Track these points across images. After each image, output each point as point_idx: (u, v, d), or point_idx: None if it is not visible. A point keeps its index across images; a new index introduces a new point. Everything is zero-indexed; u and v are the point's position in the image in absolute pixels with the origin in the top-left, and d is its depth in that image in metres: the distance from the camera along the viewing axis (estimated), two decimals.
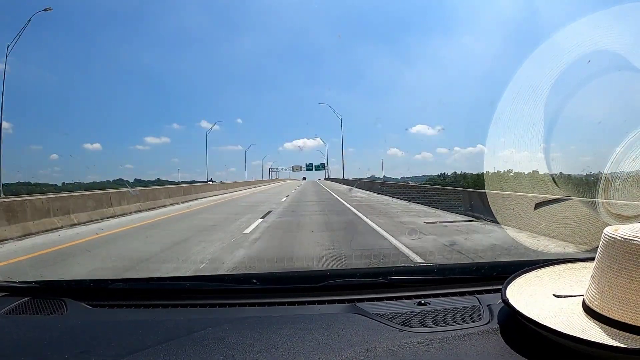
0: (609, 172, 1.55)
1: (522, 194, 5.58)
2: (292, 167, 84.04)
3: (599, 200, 1.53)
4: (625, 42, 1.85)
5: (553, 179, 3.03)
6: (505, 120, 2.50)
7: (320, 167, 79.37)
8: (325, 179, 69.93)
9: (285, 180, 73.26)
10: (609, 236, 0.83)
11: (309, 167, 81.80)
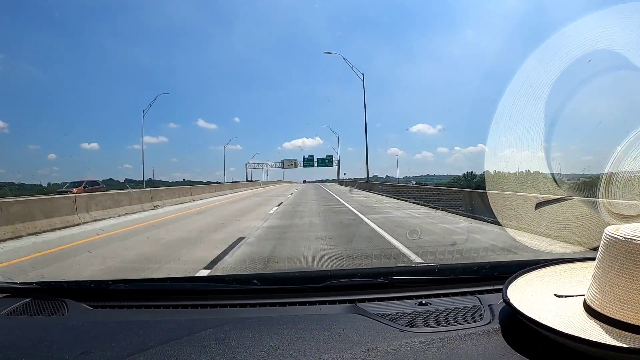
0: (609, 171, 1.55)
1: (523, 194, 5.56)
2: (283, 162, 57.89)
3: (600, 199, 1.53)
4: (626, 41, 1.84)
5: (554, 178, 3.03)
6: (505, 120, 2.50)
7: (327, 162, 55.91)
8: (342, 183, 46.23)
9: (265, 186, 45.07)
10: (609, 236, 0.82)
11: (308, 161, 56.63)
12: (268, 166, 62.01)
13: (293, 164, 59.69)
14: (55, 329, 1.11)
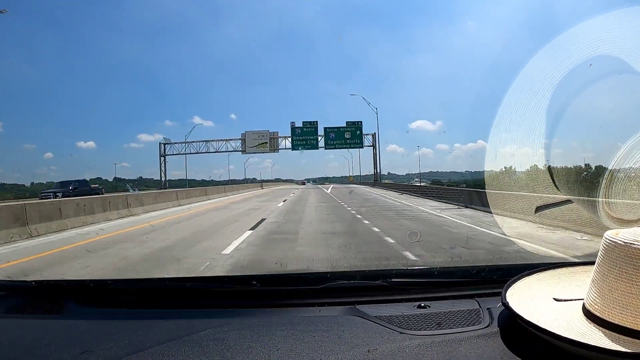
0: (609, 175, 1.55)
1: (520, 193, 6.20)
2: (244, 137, 31.36)
3: (600, 203, 1.53)
4: (627, 46, 1.85)
5: (554, 182, 3.04)
6: (506, 123, 2.51)
7: (351, 139, 30.94)
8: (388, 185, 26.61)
9: (193, 201, 19.32)
10: (609, 240, 0.82)
11: (305, 135, 30.90)
12: (214, 148, 33.81)
13: (265, 143, 30.93)
14: (53, 328, 1.11)
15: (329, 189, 33.37)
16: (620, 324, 0.77)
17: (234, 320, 1.10)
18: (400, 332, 0.98)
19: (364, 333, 0.98)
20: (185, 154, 36.94)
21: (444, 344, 0.91)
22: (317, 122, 31.51)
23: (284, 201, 18.01)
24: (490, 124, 2.58)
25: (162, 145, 37.07)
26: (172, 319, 1.15)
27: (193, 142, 36.34)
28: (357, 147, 31.90)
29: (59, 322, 1.17)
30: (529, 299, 0.97)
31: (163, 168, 36.79)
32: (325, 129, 31.26)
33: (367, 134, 33.18)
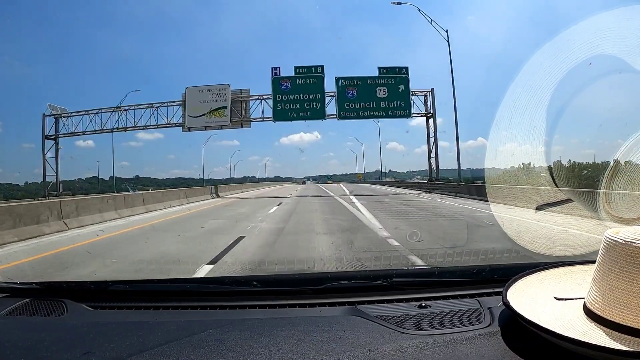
0: (609, 174, 1.54)
1: (518, 186, 6.75)
2: (185, 96, 18.43)
3: (600, 202, 1.53)
4: (626, 45, 1.84)
5: (554, 180, 3.05)
6: (506, 124, 2.51)
7: (393, 100, 16.91)
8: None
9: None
10: (609, 239, 0.82)
11: (307, 98, 16.50)
12: (132, 122, 20.91)
13: (224, 109, 17.34)
14: (54, 330, 1.11)
15: (351, 198, 16.73)
16: (621, 323, 0.77)
17: (234, 320, 1.10)
18: (401, 332, 0.98)
19: (365, 333, 0.98)
20: (87, 133, 20.38)
21: (445, 344, 0.91)
22: (322, 67, 16.85)
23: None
24: (491, 122, 2.58)
25: (54, 119, 19.46)
26: (173, 319, 1.15)
27: (97, 112, 19.64)
28: (400, 116, 17.13)
29: (60, 324, 1.17)
30: (530, 298, 0.96)
31: (52, 157, 20.55)
32: (338, 80, 16.94)
33: (418, 93, 19.02)
